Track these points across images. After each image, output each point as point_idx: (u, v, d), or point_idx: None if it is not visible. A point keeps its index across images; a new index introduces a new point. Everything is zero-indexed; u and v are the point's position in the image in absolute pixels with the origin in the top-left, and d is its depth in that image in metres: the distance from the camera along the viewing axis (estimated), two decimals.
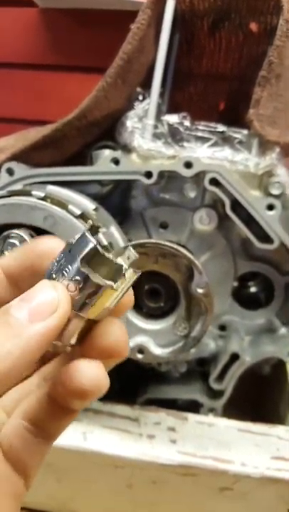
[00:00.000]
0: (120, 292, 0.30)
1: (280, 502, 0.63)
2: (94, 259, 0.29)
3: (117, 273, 0.30)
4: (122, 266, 0.30)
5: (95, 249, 0.29)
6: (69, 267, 0.29)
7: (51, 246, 0.31)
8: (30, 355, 0.26)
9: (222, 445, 0.64)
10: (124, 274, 0.30)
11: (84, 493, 0.67)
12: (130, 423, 0.65)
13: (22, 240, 0.55)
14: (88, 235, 0.29)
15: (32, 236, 0.56)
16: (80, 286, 0.29)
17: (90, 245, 0.29)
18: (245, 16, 0.72)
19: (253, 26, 0.73)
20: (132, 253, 0.31)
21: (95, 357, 0.29)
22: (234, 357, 0.68)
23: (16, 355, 0.25)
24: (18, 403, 0.33)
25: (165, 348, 0.60)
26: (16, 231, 0.55)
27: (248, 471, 0.61)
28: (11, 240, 0.55)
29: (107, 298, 0.30)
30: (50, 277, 0.29)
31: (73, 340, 0.30)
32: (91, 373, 0.28)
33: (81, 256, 0.29)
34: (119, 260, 0.31)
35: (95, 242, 0.29)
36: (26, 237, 0.55)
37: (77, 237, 0.30)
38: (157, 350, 0.60)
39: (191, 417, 0.67)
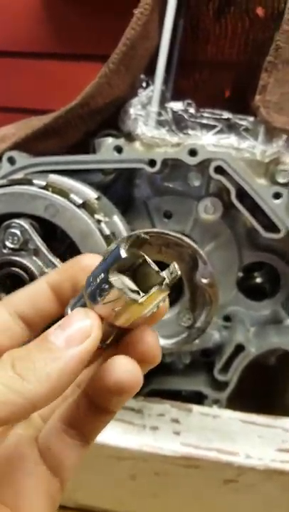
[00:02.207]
0: (152, 304, 0.30)
1: (286, 494, 0.62)
2: (138, 270, 0.30)
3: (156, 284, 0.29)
4: (163, 279, 0.30)
5: (123, 259, 0.29)
6: (101, 275, 0.29)
7: (91, 262, 0.33)
8: (67, 377, 0.28)
9: (226, 437, 0.63)
10: (163, 287, 0.29)
11: (87, 484, 0.66)
12: (134, 414, 0.65)
13: (23, 230, 0.54)
14: (122, 247, 0.29)
15: (33, 226, 0.55)
16: (107, 294, 0.29)
17: (119, 255, 0.29)
18: (252, 0, 0.70)
19: (260, 11, 0.72)
20: (175, 269, 0.31)
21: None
22: (239, 348, 0.67)
23: (54, 377, 0.27)
24: (54, 410, 0.35)
25: (169, 339, 0.59)
26: (17, 221, 0.54)
27: (252, 463, 0.60)
28: (12, 230, 0.54)
29: (135, 308, 0.29)
30: (87, 286, 0.30)
31: (108, 341, 0.31)
32: (128, 368, 0.30)
33: (109, 264, 0.29)
34: (163, 274, 0.30)
35: (125, 254, 0.29)
36: (27, 226, 0.54)
37: (112, 247, 0.30)
38: (161, 341, 0.58)
39: (196, 408, 0.67)
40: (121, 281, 0.29)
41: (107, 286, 0.29)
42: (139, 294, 0.29)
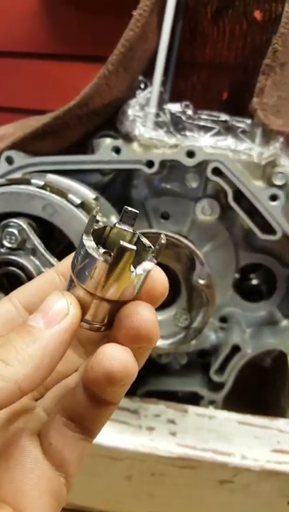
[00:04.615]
0: (123, 269, 0.29)
1: (280, 495, 0.62)
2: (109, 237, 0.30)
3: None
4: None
5: (95, 221, 0.29)
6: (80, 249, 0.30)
7: None
8: (49, 357, 0.28)
9: (222, 438, 0.63)
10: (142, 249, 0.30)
11: (83, 485, 0.66)
12: (130, 415, 0.65)
13: (21, 229, 0.54)
14: (94, 212, 0.30)
15: (31, 225, 0.55)
16: (83, 259, 0.29)
17: (93, 216, 0.29)
18: (250, 3, 0.70)
19: (257, 14, 0.72)
20: (161, 239, 0.30)
21: (123, 342, 0.29)
22: (235, 349, 0.68)
23: (37, 357, 0.27)
24: (58, 402, 0.34)
25: (166, 339, 0.59)
26: (14, 220, 0.54)
27: (248, 464, 0.60)
28: (10, 229, 0.54)
29: (119, 274, 0.29)
30: (73, 267, 0.30)
31: (104, 320, 0.31)
32: (117, 356, 0.29)
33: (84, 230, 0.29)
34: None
35: (94, 214, 0.29)
36: (25, 226, 0.54)
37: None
38: (157, 342, 0.59)
39: (192, 409, 0.67)
40: (91, 243, 0.29)
41: (81, 252, 0.29)
42: (110, 255, 0.29)
